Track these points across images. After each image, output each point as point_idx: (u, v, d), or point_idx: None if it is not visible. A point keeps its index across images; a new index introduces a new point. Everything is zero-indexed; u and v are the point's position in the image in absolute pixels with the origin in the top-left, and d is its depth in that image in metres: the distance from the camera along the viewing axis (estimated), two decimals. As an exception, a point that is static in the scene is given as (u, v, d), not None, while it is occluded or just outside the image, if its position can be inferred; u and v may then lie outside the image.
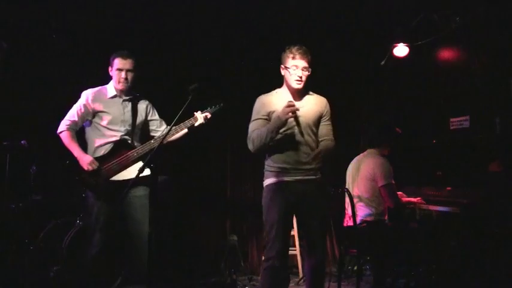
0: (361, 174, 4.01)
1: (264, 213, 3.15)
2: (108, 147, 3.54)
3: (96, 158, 3.49)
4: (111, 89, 3.64)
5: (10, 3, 4.37)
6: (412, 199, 4.21)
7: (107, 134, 3.57)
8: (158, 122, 3.80)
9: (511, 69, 4.26)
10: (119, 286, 3.98)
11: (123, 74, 3.56)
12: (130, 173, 3.51)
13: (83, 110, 3.58)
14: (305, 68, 3.12)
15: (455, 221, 4.00)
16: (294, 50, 3.12)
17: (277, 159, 3.14)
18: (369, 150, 4.16)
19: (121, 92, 3.63)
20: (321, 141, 3.22)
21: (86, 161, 3.45)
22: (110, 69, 3.63)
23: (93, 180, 3.46)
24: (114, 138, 3.56)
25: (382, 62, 4.98)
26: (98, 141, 3.56)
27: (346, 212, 3.98)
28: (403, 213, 4.30)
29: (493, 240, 3.70)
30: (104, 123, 3.56)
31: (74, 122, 3.58)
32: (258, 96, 3.25)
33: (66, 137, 3.54)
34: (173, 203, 4.86)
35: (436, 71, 5.12)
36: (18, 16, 4.48)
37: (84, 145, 3.59)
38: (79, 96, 3.63)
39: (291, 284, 4.74)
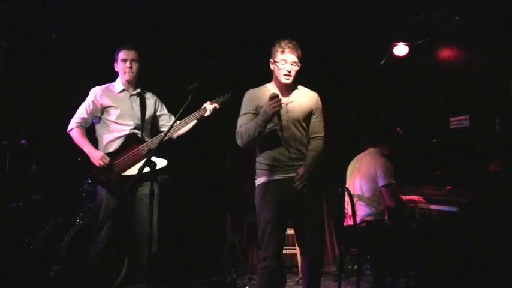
0: (361, 173, 4.01)
1: (257, 213, 3.11)
2: (119, 142, 3.54)
3: (108, 154, 3.49)
4: (118, 84, 3.67)
5: (10, 3, 4.37)
6: (414, 197, 4.19)
7: (116, 129, 3.57)
8: (167, 116, 3.81)
9: (511, 69, 4.27)
10: (119, 285, 3.99)
11: (128, 63, 3.59)
12: None
13: (91, 107, 3.59)
14: (294, 62, 3.08)
15: (455, 220, 4.00)
16: (283, 44, 3.09)
17: (267, 156, 3.09)
18: (369, 150, 4.16)
19: (128, 85, 3.65)
20: (312, 138, 3.18)
21: (96, 156, 3.45)
22: (115, 65, 3.66)
23: (105, 176, 3.46)
24: (123, 133, 3.56)
25: (382, 62, 4.97)
26: (108, 137, 3.57)
27: (346, 211, 3.98)
28: (403, 213, 4.30)
29: (493, 240, 3.70)
30: (113, 118, 3.57)
31: (83, 119, 3.59)
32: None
33: (76, 134, 3.55)
34: (173, 203, 4.85)
35: (436, 70, 5.11)
36: (18, 16, 4.48)
37: (95, 143, 3.59)
38: (86, 94, 3.64)
39: (291, 284, 4.74)
